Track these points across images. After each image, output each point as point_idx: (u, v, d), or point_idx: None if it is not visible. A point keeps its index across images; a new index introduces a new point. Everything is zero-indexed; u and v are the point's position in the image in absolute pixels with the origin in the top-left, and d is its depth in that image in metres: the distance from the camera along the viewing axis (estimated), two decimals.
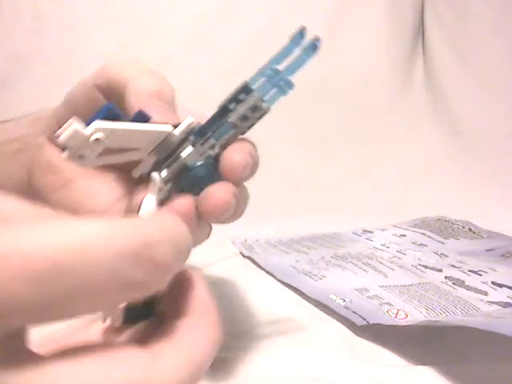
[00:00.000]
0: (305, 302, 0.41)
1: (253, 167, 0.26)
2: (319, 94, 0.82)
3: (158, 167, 0.25)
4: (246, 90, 0.25)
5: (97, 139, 0.20)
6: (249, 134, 0.26)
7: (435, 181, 0.79)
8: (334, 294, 0.40)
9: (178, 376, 0.15)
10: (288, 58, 0.25)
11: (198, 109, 0.27)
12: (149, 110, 0.23)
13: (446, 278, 0.44)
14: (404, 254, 0.52)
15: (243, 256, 0.52)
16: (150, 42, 0.77)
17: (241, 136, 0.26)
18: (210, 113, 0.25)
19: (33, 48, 0.72)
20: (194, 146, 0.25)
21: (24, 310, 0.12)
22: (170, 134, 0.24)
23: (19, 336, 0.14)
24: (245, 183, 0.27)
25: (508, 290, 0.42)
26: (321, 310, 0.39)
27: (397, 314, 0.37)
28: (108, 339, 0.20)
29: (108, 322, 0.20)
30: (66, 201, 0.28)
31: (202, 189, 0.25)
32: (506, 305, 0.39)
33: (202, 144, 0.25)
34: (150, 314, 0.20)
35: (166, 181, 0.25)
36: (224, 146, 0.25)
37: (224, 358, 0.32)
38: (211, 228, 0.28)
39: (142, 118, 0.23)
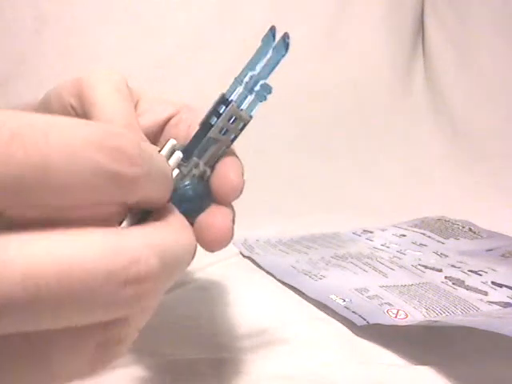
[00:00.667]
0: (305, 302, 0.41)
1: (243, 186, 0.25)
2: (319, 94, 0.82)
3: None
4: (224, 101, 0.24)
5: None
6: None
7: (435, 181, 0.79)
8: (334, 294, 0.40)
9: (149, 245, 0.15)
10: (263, 61, 0.24)
11: (197, 109, 0.27)
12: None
13: (446, 277, 0.44)
14: (404, 254, 0.51)
15: (243, 256, 0.52)
16: (150, 43, 0.77)
17: (231, 152, 0.25)
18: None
19: (33, 48, 0.72)
20: (178, 167, 0.23)
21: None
22: None
23: None
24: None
25: (508, 289, 0.42)
26: (321, 309, 0.39)
27: (397, 314, 0.37)
28: None
29: None
30: None
31: (190, 210, 0.23)
32: (506, 305, 0.39)
33: (186, 164, 0.24)
34: None
35: None
36: (210, 163, 0.25)
37: (224, 359, 0.32)
38: None
39: None
